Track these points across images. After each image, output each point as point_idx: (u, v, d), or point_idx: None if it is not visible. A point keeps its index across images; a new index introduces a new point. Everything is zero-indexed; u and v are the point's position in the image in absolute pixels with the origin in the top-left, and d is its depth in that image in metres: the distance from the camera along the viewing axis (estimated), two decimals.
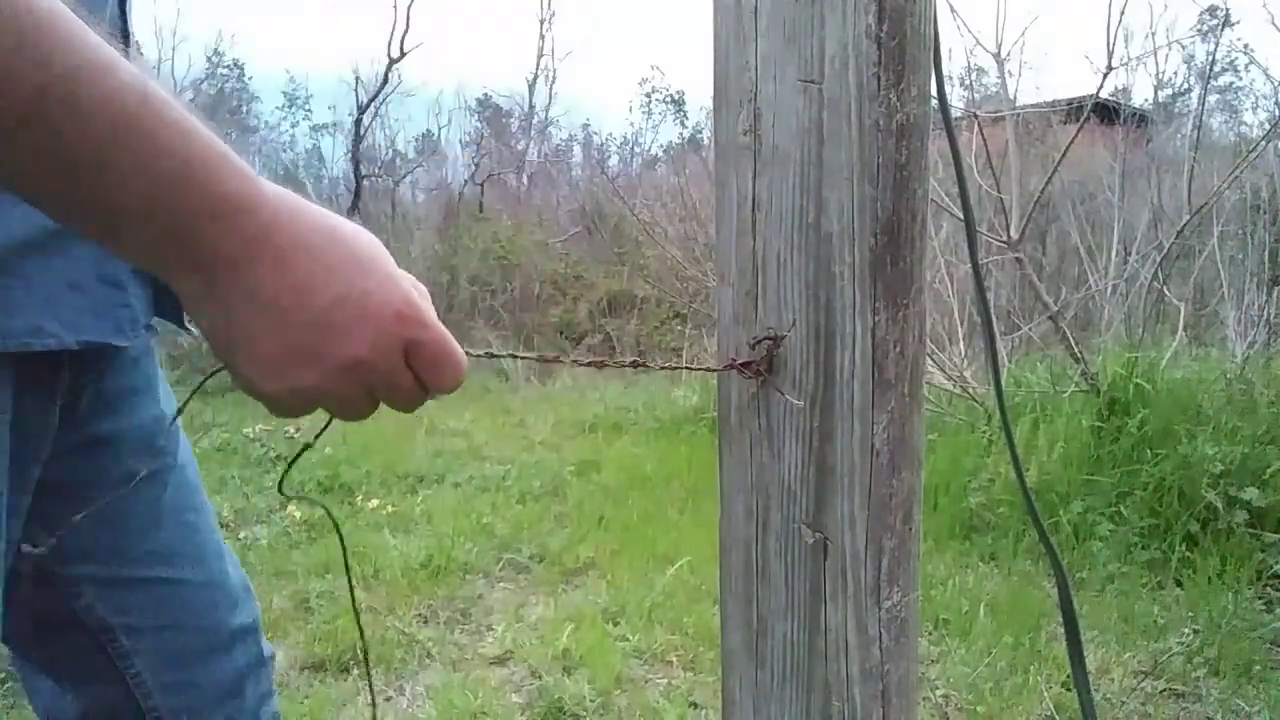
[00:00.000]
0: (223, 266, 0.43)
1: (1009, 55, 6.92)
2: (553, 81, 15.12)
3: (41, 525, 0.64)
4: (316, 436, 0.52)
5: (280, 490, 0.58)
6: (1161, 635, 2.24)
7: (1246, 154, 4.02)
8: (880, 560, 0.60)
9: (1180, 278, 5.15)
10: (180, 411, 0.75)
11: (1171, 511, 2.68)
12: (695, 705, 1.98)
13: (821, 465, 0.60)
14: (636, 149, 15.47)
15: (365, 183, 10.72)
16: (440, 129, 14.34)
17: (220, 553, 0.83)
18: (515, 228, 9.77)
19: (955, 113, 2.95)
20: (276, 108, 14.20)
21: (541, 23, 16.28)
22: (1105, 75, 3.36)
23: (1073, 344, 3.26)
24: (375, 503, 3.40)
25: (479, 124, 14.64)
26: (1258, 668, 2.06)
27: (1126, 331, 4.40)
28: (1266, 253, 4.38)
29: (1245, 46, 12.19)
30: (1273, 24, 4.02)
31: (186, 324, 0.76)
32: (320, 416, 0.51)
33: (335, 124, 13.46)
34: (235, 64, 13.56)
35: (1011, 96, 4.43)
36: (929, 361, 3.49)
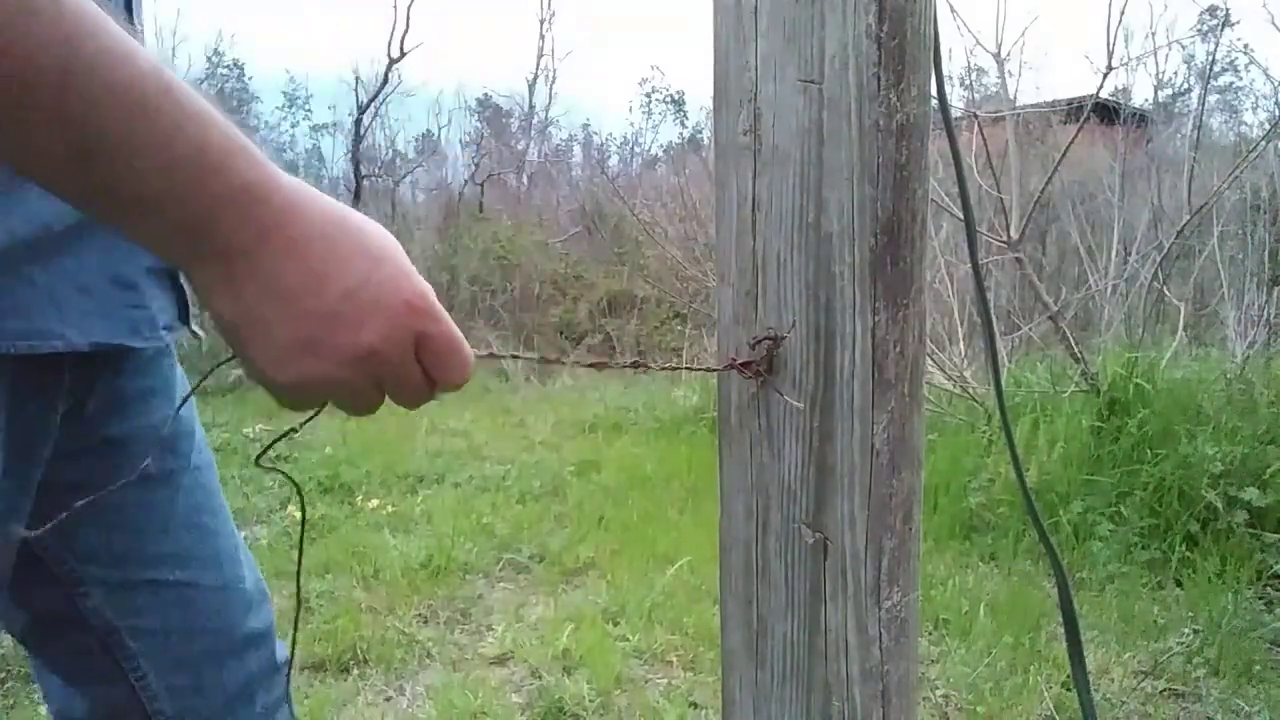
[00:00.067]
0: (237, 255, 0.43)
1: (1009, 55, 6.92)
2: (553, 81, 15.12)
3: (52, 526, 0.64)
4: (304, 422, 0.52)
5: (257, 462, 0.58)
6: (1161, 635, 2.24)
7: (1246, 154, 4.02)
8: (880, 560, 0.60)
9: (1180, 278, 5.15)
10: (179, 408, 0.75)
11: (1171, 511, 2.68)
12: (695, 705, 1.98)
13: (821, 465, 0.60)
14: (636, 149, 15.49)
15: (365, 183, 10.71)
16: (440, 129, 14.36)
17: (236, 557, 0.83)
18: (515, 228, 9.76)
19: (955, 113, 2.95)
20: (276, 108, 14.23)
21: (541, 23, 16.27)
22: (1105, 75, 3.36)
23: (1073, 344, 3.26)
24: (375, 503, 3.41)
25: (479, 124, 14.66)
26: (1258, 668, 2.06)
27: (1126, 331, 4.40)
28: (1266, 253, 4.39)
29: (1245, 46, 12.22)
30: (1273, 24, 4.02)
31: (192, 326, 0.75)
32: (306, 414, 0.51)
33: (335, 124, 13.49)
34: (235, 64, 13.58)
35: (1011, 96, 4.44)
36: (929, 361, 3.49)
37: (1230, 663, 2.07)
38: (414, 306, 0.47)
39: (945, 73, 0.63)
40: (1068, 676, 2.00)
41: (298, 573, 0.64)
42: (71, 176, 0.39)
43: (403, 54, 10.52)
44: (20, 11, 0.35)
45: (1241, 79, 12.27)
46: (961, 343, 4.04)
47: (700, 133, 13.34)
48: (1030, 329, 4.29)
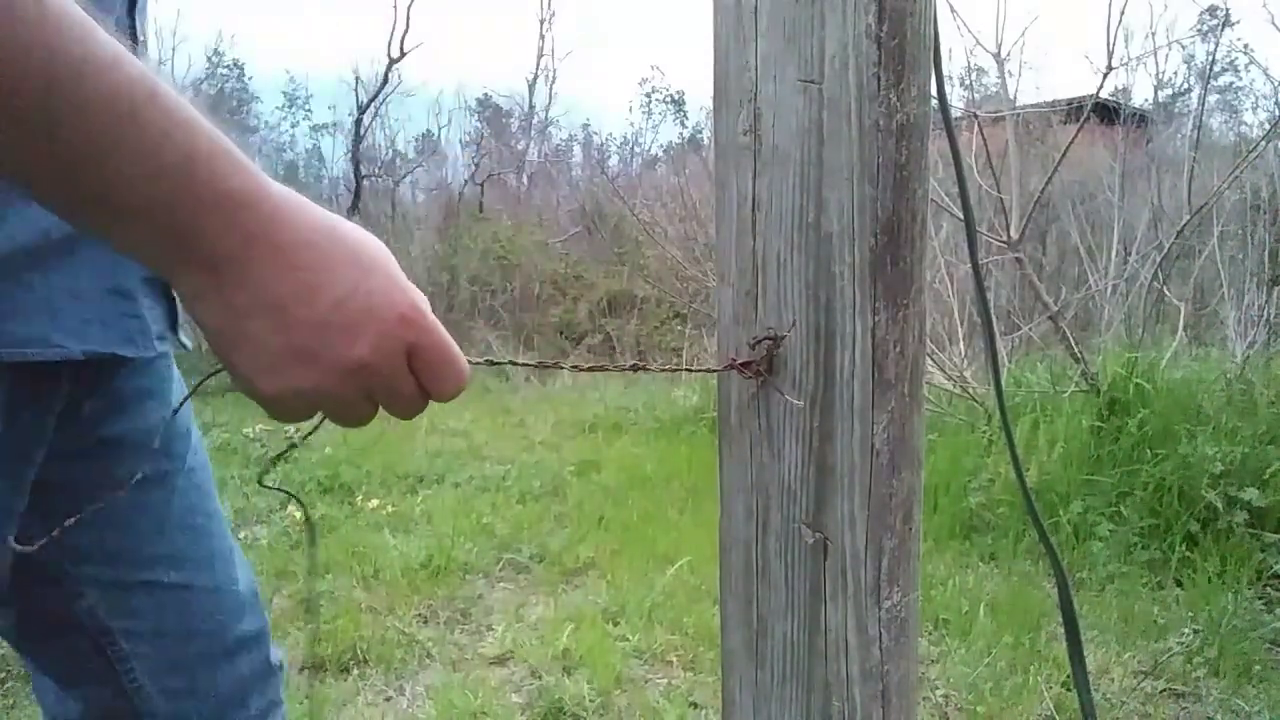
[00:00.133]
0: (224, 263, 0.42)
1: (1009, 55, 6.92)
2: (553, 81, 15.15)
3: (44, 525, 0.64)
4: (305, 436, 0.52)
5: (260, 483, 0.58)
6: (1161, 635, 2.24)
7: (1246, 154, 4.02)
8: (880, 560, 0.60)
9: (1180, 278, 5.15)
10: (176, 411, 0.75)
11: (1171, 511, 2.68)
12: (695, 705, 1.98)
13: (821, 465, 0.60)
14: (636, 149, 15.48)
15: (365, 183, 10.72)
16: (440, 129, 14.37)
17: (230, 559, 0.82)
18: (515, 228, 9.77)
19: (955, 113, 2.95)
20: (276, 108, 14.24)
21: (541, 23, 16.29)
22: (1105, 75, 3.36)
23: (1073, 344, 3.26)
24: (375, 503, 3.41)
25: (479, 124, 14.66)
26: (1258, 668, 2.06)
27: (1126, 331, 4.40)
28: (1266, 253, 4.38)
29: (1245, 46, 12.22)
30: (1273, 24, 4.02)
31: (181, 336, 0.75)
32: (308, 427, 0.51)
33: (335, 124, 13.50)
34: (235, 64, 13.58)
35: (1011, 96, 4.44)
36: (929, 361, 3.49)
37: (1230, 663, 2.07)
38: (406, 317, 0.46)
39: (945, 73, 0.63)
40: (1068, 676, 2.00)
41: (310, 579, 0.64)
42: (57, 184, 0.39)
43: (403, 54, 10.53)
44: (3, 17, 0.35)
45: (1241, 79, 12.27)
46: (961, 343, 4.04)
47: (700, 133, 13.34)
48: (1030, 329, 4.29)
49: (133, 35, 0.68)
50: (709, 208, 5.08)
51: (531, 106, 14.53)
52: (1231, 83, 12.13)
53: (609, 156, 14.91)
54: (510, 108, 14.95)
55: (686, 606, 2.44)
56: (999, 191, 3.41)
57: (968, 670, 2.07)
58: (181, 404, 0.72)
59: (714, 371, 0.65)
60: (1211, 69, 7.64)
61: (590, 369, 0.60)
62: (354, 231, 0.47)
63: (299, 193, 0.46)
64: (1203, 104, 5.55)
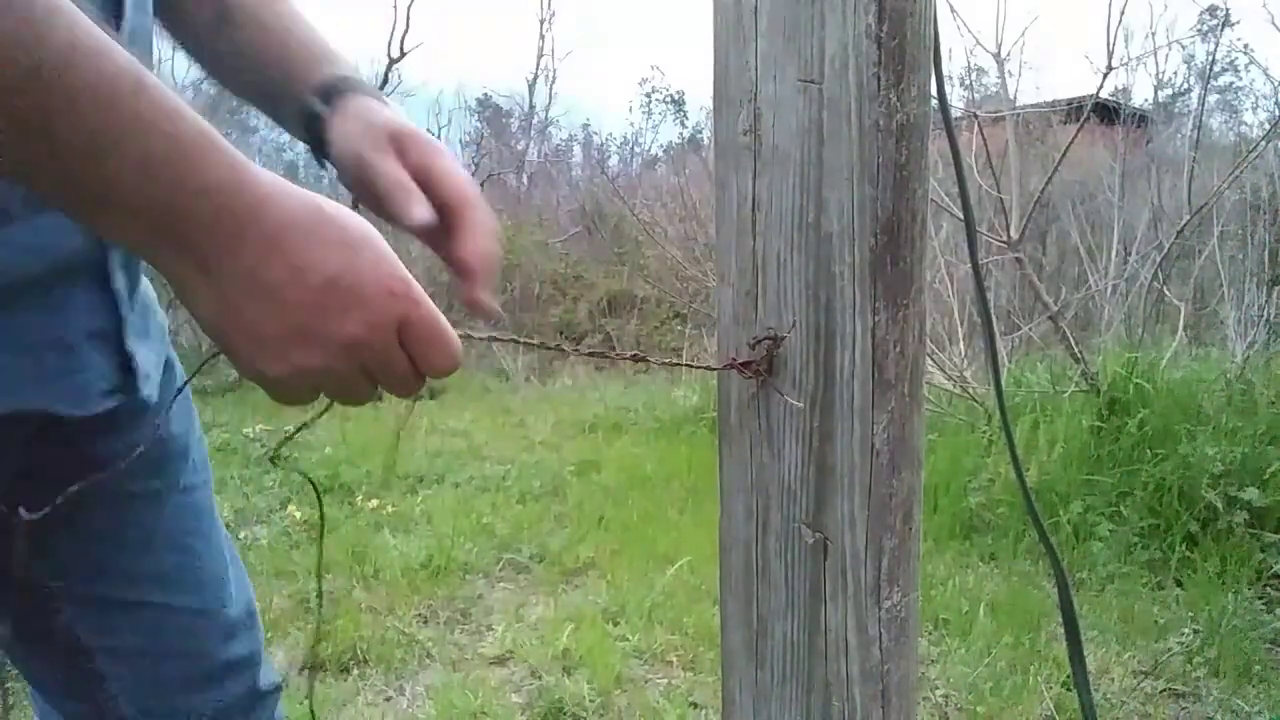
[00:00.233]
0: (213, 248, 0.43)
1: (1009, 55, 6.92)
2: (553, 81, 15.17)
3: (32, 541, 0.62)
4: (315, 417, 0.53)
5: (272, 462, 0.58)
6: (1161, 635, 2.24)
7: (1246, 154, 4.02)
8: (880, 560, 0.60)
9: (1180, 278, 5.15)
10: (166, 410, 0.74)
11: (1171, 511, 2.68)
12: (695, 705, 1.98)
13: (821, 465, 0.60)
14: (636, 149, 15.50)
15: None
16: (440, 129, 14.33)
17: (223, 581, 0.80)
18: (515, 228, 9.75)
19: (955, 113, 2.95)
20: None
21: (541, 23, 16.31)
22: (1105, 75, 3.36)
23: (1073, 344, 3.26)
24: (375, 503, 3.40)
25: (479, 124, 14.68)
26: (1258, 668, 2.06)
27: (1126, 331, 4.40)
28: (1266, 253, 4.39)
29: (1245, 46, 12.24)
30: (1273, 24, 4.02)
31: (144, 393, 0.69)
32: (315, 410, 0.51)
33: None
34: None
35: (1011, 96, 4.44)
36: (929, 361, 3.49)
37: (1230, 663, 2.07)
38: (394, 292, 0.47)
39: (945, 73, 0.63)
40: (1068, 676, 2.00)
41: (318, 577, 0.64)
42: (43, 173, 0.39)
43: (403, 54, 10.50)
44: None
45: (1241, 79, 12.29)
46: (961, 343, 4.04)
47: (700, 133, 13.35)
48: (1030, 329, 4.29)
49: (118, 18, 0.67)
50: (709, 208, 5.08)
51: (531, 106, 14.55)
52: (1231, 83, 12.15)
53: (609, 156, 14.93)
54: (510, 108, 14.98)
55: (686, 606, 2.44)
56: (999, 191, 3.41)
57: (968, 670, 2.07)
58: (168, 405, 0.71)
59: (714, 371, 0.65)
60: (1211, 69, 7.63)
61: (590, 354, 0.60)
62: (340, 211, 0.47)
63: None
64: (1203, 104, 5.55)
